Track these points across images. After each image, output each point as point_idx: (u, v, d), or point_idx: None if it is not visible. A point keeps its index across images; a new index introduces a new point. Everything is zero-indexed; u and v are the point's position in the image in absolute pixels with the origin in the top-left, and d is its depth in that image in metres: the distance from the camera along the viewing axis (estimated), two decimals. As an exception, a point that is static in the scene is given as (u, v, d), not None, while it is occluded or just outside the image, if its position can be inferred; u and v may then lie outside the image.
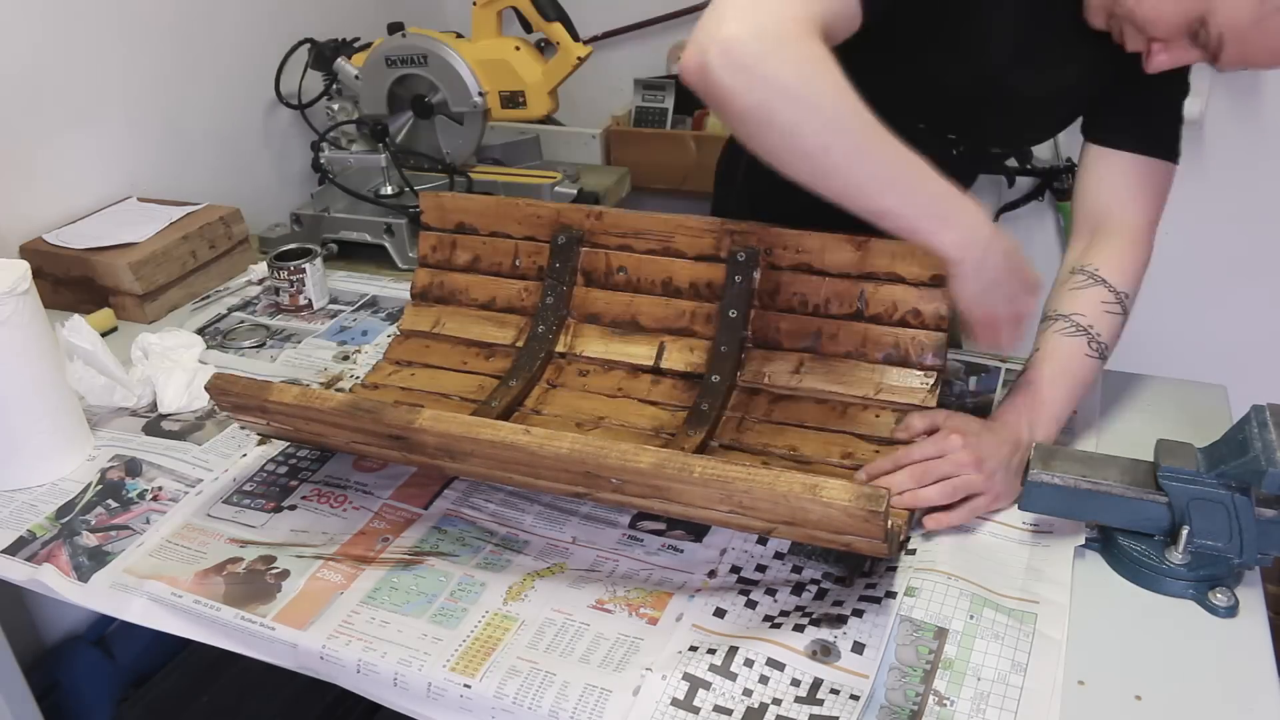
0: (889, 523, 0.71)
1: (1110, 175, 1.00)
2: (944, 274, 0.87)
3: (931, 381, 0.98)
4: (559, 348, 1.10)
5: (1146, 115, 0.99)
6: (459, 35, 1.59)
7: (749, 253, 1.04)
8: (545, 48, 1.58)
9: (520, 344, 1.11)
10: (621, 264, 1.09)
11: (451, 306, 1.16)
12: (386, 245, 1.49)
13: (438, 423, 0.81)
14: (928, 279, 0.98)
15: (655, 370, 1.07)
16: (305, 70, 1.66)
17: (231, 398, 0.90)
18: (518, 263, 1.14)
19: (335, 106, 1.62)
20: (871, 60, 0.82)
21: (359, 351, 1.21)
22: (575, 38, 1.53)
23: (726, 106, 0.76)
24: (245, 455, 1.02)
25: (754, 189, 1.23)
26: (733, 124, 0.79)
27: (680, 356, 1.06)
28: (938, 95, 0.99)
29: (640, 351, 1.08)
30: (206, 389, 0.91)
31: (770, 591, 0.82)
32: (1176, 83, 0.98)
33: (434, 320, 1.16)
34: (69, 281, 1.33)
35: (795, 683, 0.73)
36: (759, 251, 1.04)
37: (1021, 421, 0.91)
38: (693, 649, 0.76)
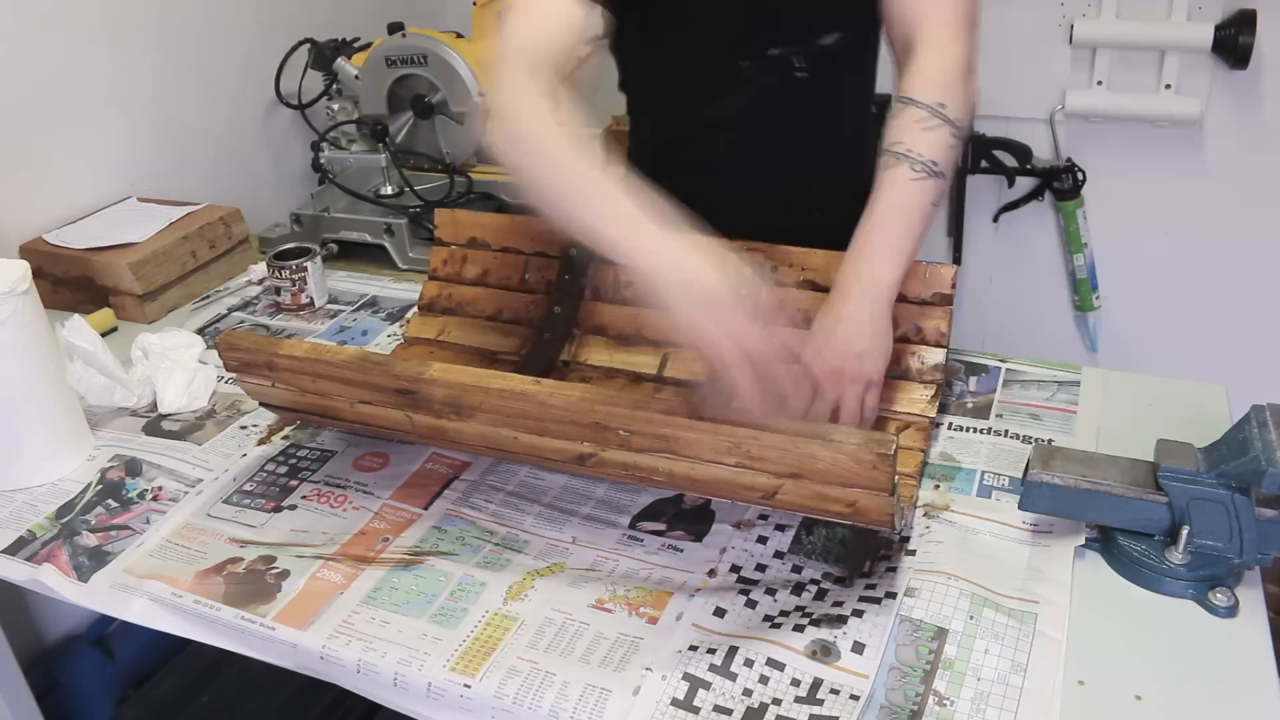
0: (896, 475, 0.72)
1: None
2: (943, 292, 0.93)
3: (931, 394, 0.99)
4: (563, 356, 1.10)
5: None
6: (459, 35, 1.59)
7: (756, 269, 1.05)
8: (545, 48, 1.58)
9: (525, 353, 1.11)
10: (630, 279, 1.10)
11: (458, 317, 1.16)
12: (386, 245, 1.49)
13: (447, 374, 0.83)
14: (928, 297, 1.00)
15: (657, 379, 1.07)
16: (305, 70, 1.66)
17: (240, 354, 0.90)
18: (527, 277, 1.14)
19: (335, 106, 1.62)
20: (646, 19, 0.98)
21: (359, 351, 1.21)
22: (575, 38, 1.53)
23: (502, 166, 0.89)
24: (245, 455, 1.02)
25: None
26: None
27: (683, 366, 1.07)
28: (708, 18, 1.05)
29: (643, 361, 1.08)
30: (216, 344, 0.91)
31: (770, 591, 0.82)
32: None
33: (439, 329, 1.16)
34: (69, 281, 1.33)
35: (795, 683, 0.73)
36: (766, 268, 1.05)
37: (850, 281, 0.91)
38: (693, 649, 0.76)
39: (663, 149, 1.20)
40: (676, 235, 0.78)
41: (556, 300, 1.11)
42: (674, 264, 0.76)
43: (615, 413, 0.77)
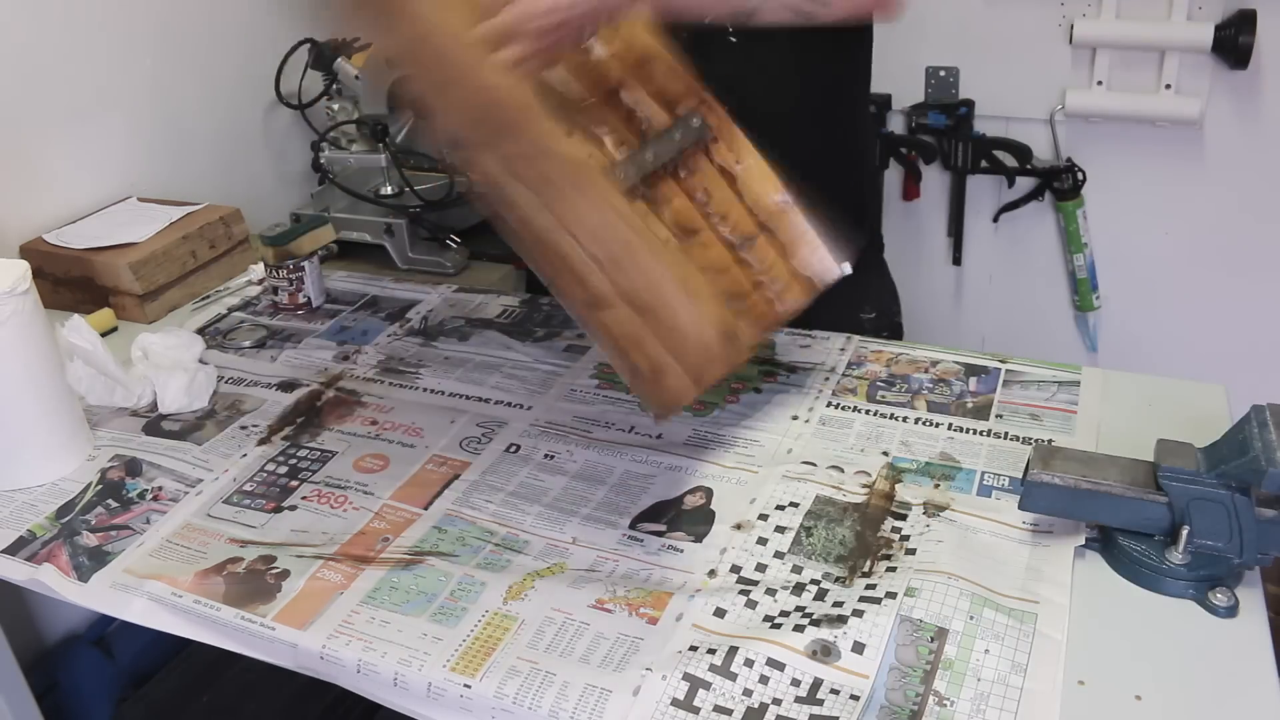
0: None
1: None
2: None
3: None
4: None
5: None
6: (459, 35, 1.59)
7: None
8: (545, 48, 1.58)
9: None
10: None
11: None
12: (386, 245, 1.49)
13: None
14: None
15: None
16: (305, 70, 1.66)
17: None
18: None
19: (335, 106, 1.63)
20: None
21: (359, 351, 1.21)
22: (575, 38, 1.53)
23: None
24: (245, 455, 1.02)
25: None
26: None
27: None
28: None
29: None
30: None
31: (770, 591, 0.82)
32: None
33: None
34: (69, 281, 1.33)
35: (795, 683, 0.73)
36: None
37: None
38: (693, 649, 0.76)
39: None
40: None
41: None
42: None
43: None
